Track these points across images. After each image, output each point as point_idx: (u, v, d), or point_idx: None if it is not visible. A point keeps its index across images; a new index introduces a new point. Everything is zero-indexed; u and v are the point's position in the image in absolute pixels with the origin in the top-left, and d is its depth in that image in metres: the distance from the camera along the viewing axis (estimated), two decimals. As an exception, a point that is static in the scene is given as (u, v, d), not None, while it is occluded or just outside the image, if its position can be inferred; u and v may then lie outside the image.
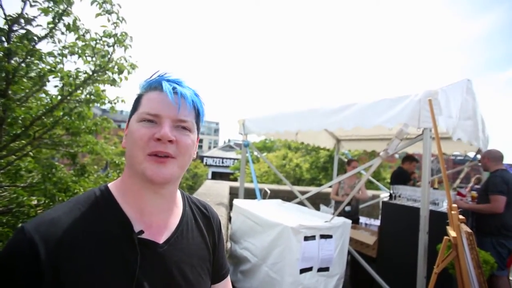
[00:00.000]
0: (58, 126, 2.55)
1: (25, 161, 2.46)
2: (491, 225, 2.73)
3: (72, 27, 2.29)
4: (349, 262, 2.99)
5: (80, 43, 2.40)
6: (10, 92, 2.22)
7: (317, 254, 2.20)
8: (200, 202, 0.77)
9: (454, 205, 1.75)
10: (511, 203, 2.65)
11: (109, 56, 2.47)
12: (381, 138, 4.80)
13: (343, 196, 3.87)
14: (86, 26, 2.42)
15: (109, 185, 0.61)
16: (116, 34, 2.44)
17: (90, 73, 2.43)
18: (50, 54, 2.29)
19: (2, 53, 2.05)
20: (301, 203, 3.21)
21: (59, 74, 2.23)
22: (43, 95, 2.57)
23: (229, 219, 3.73)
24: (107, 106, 2.78)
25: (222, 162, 28.28)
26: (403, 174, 4.08)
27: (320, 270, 2.24)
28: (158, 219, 0.61)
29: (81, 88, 2.48)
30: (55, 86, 2.40)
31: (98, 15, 2.30)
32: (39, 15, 2.18)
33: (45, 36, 2.24)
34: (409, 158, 4.20)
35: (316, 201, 5.22)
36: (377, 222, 3.84)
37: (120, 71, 2.57)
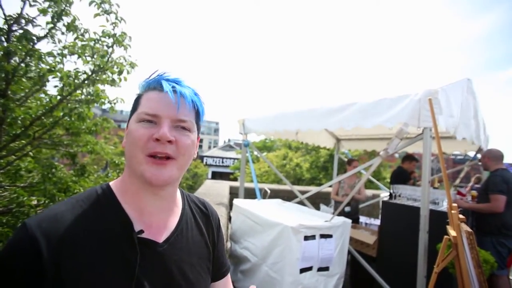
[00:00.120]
0: (58, 126, 2.55)
1: (25, 161, 2.46)
2: (491, 225, 2.73)
3: (71, 27, 2.29)
4: (349, 261, 2.99)
5: (79, 43, 2.40)
6: (9, 92, 2.21)
7: (317, 253, 2.20)
8: (199, 200, 0.77)
9: (454, 204, 1.74)
10: (511, 202, 2.65)
11: (108, 56, 2.47)
12: (381, 138, 4.80)
13: (343, 197, 3.87)
14: (84, 26, 2.42)
15: (111, 183, 0.61)
16: (115, 34, 2.43)
17: (90, 73, 2.43)
18: (50, 54, 2.29)
19: (1, 53, 2.05)
20: (301, 202, 3.21)
21: (58, 74, 2.23)
22: (43, 95, 2.56)
23: (229, 218, 3.73)
24: (106, 106, 2.78)
25: (222, 162, 28.29)
26: (403, 174, 4.07)
27: (320, 269, 2.24)
28: (157, 219, 0.61)
29: (80, 88, 2.48)
30: (55, 86, 2.40)
31: (96, 15, 2.30)
32: (39, 15, 2.18)
33: (45, 36, 2.24)
34: (409, 158, 4.20)
35: (316, 201, 5.22)
36: (377, 222, 3.84)
37: (120, 72, 2.57)
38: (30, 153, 2.59)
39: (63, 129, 2.65)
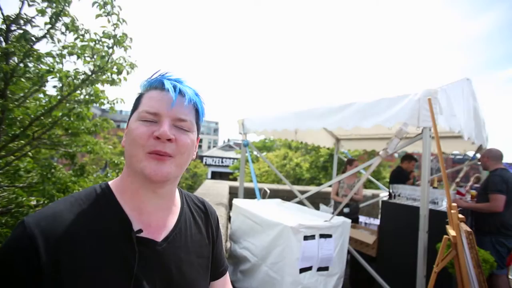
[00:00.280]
0: (57, 126, 2.55)
1: (24, 161, 2.46)
2: (491, 224, 2.74)
3: (71, 27, 2.29)
4: (349, 261, 2.99)
5: (79, 44, 2.40)
6: (8, 92, 2.21)
7: (316, 253, 2.20)
8: (198, 199, 0.77)
9: (454, 204, 1.75)
10: (510, 202, 2.65)
11: (108, 57, 2.47)
12: (380, 138, 4.80)
13: (342, 197, 3.87)
14: (85, 27, 2.42)
15: (110, 183, 0.61)
16: (115, 35, 2.44)
17: (89, 73, 2.43)
18: (49, 54, 2.29)
19: (0, 53, 2.05)
20: (300, 202, 3.21)
21: (58, 74, 2.23)
22: (41, 95, 2.56)
23: (229, 218, 3.73)
24: (106, 106, 2.78)
25: (222, 162, 28.28)
26: (402, 174, 4.08)
27: (319, 269, 2.24)
28: (156, 218, 0.61)
29: (80, 89, 2.48)
30: (54, 87, 2.40)
31: (98, 16, 2.30)
32: (37, 15, 2.17)
33: (44, 36, 2.23)
34: (407, 158, 4.20)
35: (316, 201, 5.22)
36: (377, 221, 3.84)
37: (119, 72, 2.57)
38: (29, 153, 2.59)
39: (62, 129, 2.65)
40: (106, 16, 2.33)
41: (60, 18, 2.21)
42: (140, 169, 0.54)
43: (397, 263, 2.56)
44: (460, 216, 1.73)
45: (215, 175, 26.66)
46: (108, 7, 2.31)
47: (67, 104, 2.52)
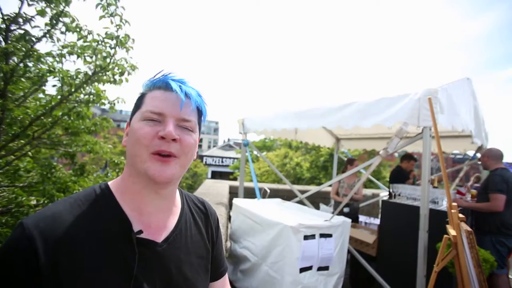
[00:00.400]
0: (57, 126, 2.55)
1: (24, 161, 2.46)
2: (491, 224, 2.73)
3: (74, 28, 2.29)
4: (349, 261, 2.99)
5: (79, 43, 2.40)
6: (7, 92, 2.21)
7: (317, 253, 2.20)
8: (198, 200, 0.77)
9: (454, 203, 1.74)
10: (510, 201, 2.65)
11: (110, 57, 2.48)
12: (380, 137, 4.80)
13: (342, 197, 3.87)
14: (89, 28, 2.42)
15: (109, 183, 0.61)
16: (118, 36, 2.44)
17: (90, 73, 2.43)
18: (49, 54, 2.29)
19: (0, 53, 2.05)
20: (301, 202, 3.21)
21: (60, 74, 2.23)
22: (41, 95, 2.56)
23: (229, 218, 3.73)
24: (106, 106, 2.78)
25: (222, 162, 28.29)
26: (401, 173, 4.08)
27: (320, 269, 2.24)
28: (157, 218, 0.61)
29: (81, 89, 2.48)
30: (53, 86, 2.40)
31: (101, 17, 2.31)
32: (37, 14, 2.17)
33: (43, 36, 2.23)
34: (407, 157, 4.20)
35: (316, 200, 5.22)
36: (377, 221, 3.84)
37: (121, 73, 2.58)
38: (29, 153, 2.59)
39: (62, 129, 2.65)
40: (109, 17, 2.33)
41: (60, 19, 2.21)
42: (144, 170, 0.54)
43: (397, 263, 2.56)
44: (461, 215, 1.73)
45: (215, 175, 26.67)
46: (112, 8, 2.31)
47: (68, 104, 2.52)
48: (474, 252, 1.64)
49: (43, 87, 2.45)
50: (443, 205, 2.63)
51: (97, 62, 2.42)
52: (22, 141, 2.41)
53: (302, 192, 3.33)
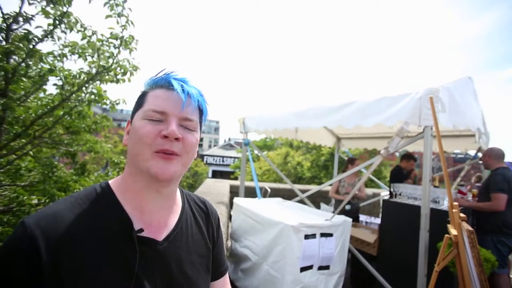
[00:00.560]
0: (58, 125, 2.56)
1: (25, 160, 2.47)
2: (492, 223, 2.73)
3: (76, 26, 2.30)
4: (350, 260, 2.99)
5: (80, 43, 2.40)
6: (9, 91, 2.21)
7: (317, 252, 2.20)
8: (199, 199, 0.77)
9: (455, 203, 1.74)
10: (512, 201, 2.64)
11: (114, 57, 2.48)
12: (381, 136, 4.79)
13: (344, 195, 3.87)
14: (93, 28, 2.42)
15: (110, 182, 0.61)
16: (123, 37, 2.45)
17: (93, 73, 2.44)
18: (50, 54, 2.29)
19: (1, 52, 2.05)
20: (301, 201, 3.20)
21: (61, 74, 2.24)
22: (42, 94, 2.57)
23: (230, 217, 3.73)
24: (108, 106, 2.79)
25: (223, 161, 28.29)
26: (400, 172, 4.07)
27: (320, 268, 2.24)
28: (158, 217, 0.61)
29: (83, 88, 2.49)
30: (54, 85, 2.40)
31: (108, 16, 2.31)
32: (37, 14, 2.17)
33: (45, 36, 2.23)
34: (406, 157, 4.20)
35: (317, 200, 5.22)
36: (378, 220, 3.84)
37: (124, 73, 2.58)
38: (30, 152, 2.59)
39: (63, 128, 2.66)
40: (115, 17, 2.34)
41: (63, 20, 2.21)
42: (147, 168, 0.54)
43: (398, 262, 2.56)
44: (462, 215, 1.72)
45: (216, 174, 26.68)
46: (119, 8, 2.32)
47: (69, 103, 2.53)
48: (475, 251, 1.64)
49: (44, 87, 2.46)
50: (444, 205, 2.63)
51: (100, 62, 2.42)
52: (23, 140, 2.42)
53: (303, 191, 3.32)
